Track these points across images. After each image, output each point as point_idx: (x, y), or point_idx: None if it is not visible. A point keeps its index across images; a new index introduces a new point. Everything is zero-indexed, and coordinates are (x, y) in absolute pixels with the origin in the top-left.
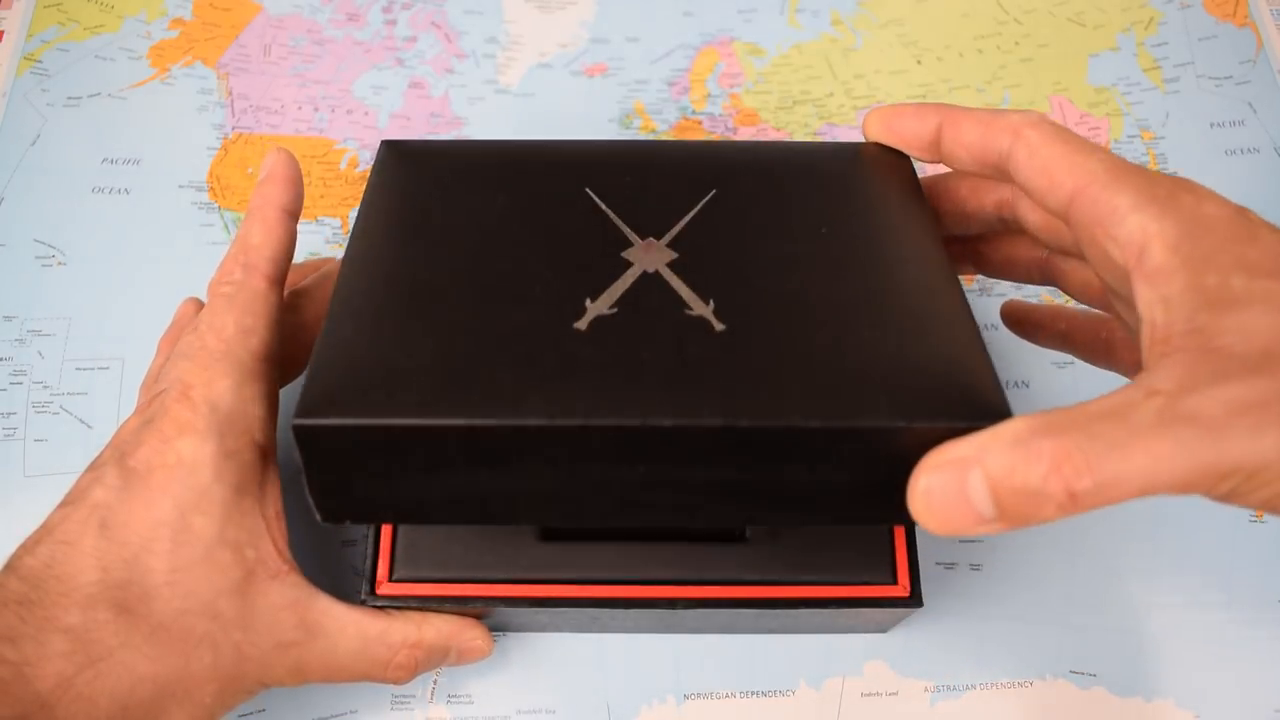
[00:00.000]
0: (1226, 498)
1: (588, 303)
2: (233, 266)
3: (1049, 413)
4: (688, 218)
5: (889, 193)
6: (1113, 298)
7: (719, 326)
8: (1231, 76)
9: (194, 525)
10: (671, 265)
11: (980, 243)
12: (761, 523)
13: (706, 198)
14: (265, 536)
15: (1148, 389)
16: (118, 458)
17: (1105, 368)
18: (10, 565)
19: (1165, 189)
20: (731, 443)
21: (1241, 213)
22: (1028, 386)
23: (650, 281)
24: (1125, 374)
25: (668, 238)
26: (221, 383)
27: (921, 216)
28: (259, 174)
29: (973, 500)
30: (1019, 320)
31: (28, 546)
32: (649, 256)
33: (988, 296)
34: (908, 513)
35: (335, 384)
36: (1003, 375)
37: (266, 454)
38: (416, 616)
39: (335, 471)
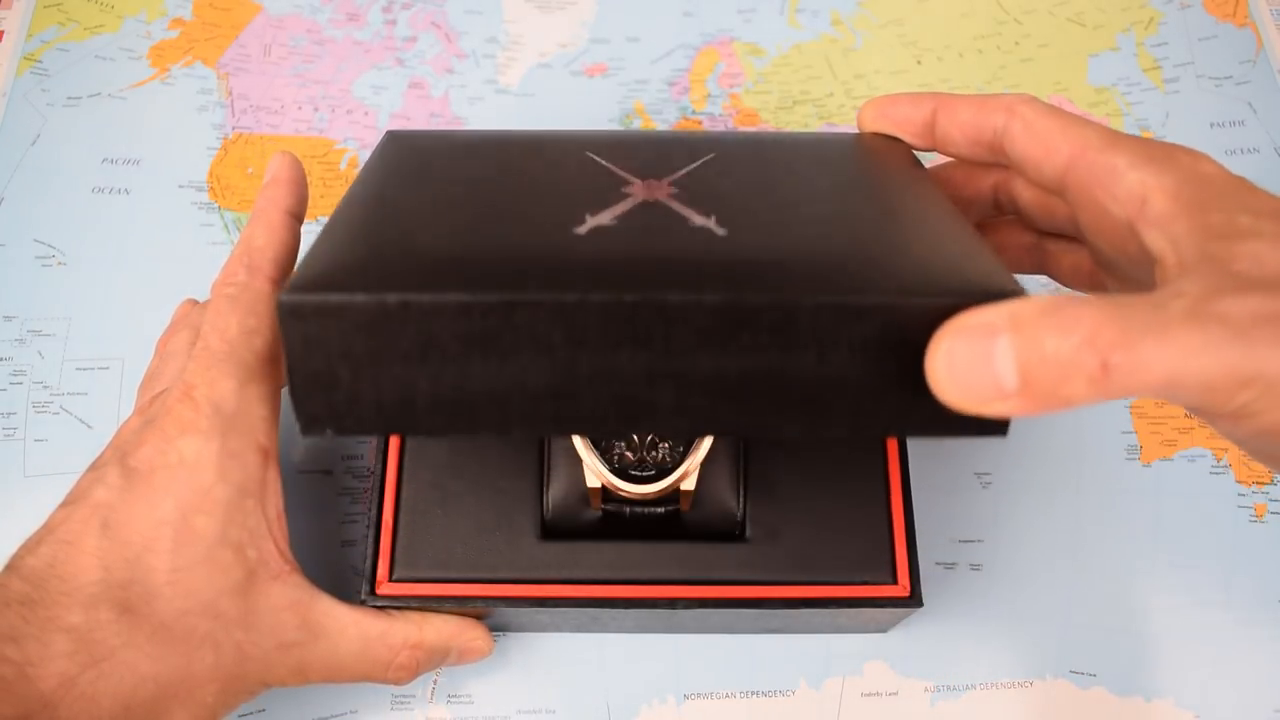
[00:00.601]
0: (1237, 414)
1: (587, 216)
2: (236, 267)
3: (1074, 295)
4: (687, 168)
5: (889, 160)
6: (1105, 275)
7: (721, 232)
8: (1231, 76)
9: (196, 525)
10: (672, 196)
11: None
12: (766, 431)
13: (706, 158)
14: (267, 537)
15: (1175, 291)
16: (119, 457)
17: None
18: (12, 565)
19: (1162, 150)
20: (735, 323)
21: (1239, 176)
22: None
23: (652, 207)
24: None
25: (668, 179)
26: (225, 383)
27: (921, 173)
28: (264, 176)
29: (997, 368)
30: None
31: (29, 546)
32: (650, 190)
33: None
34: (918, 419)
35: (327, 266)
36: None
37: (268, 455)
38: (417, 617)
39: (321, 361)
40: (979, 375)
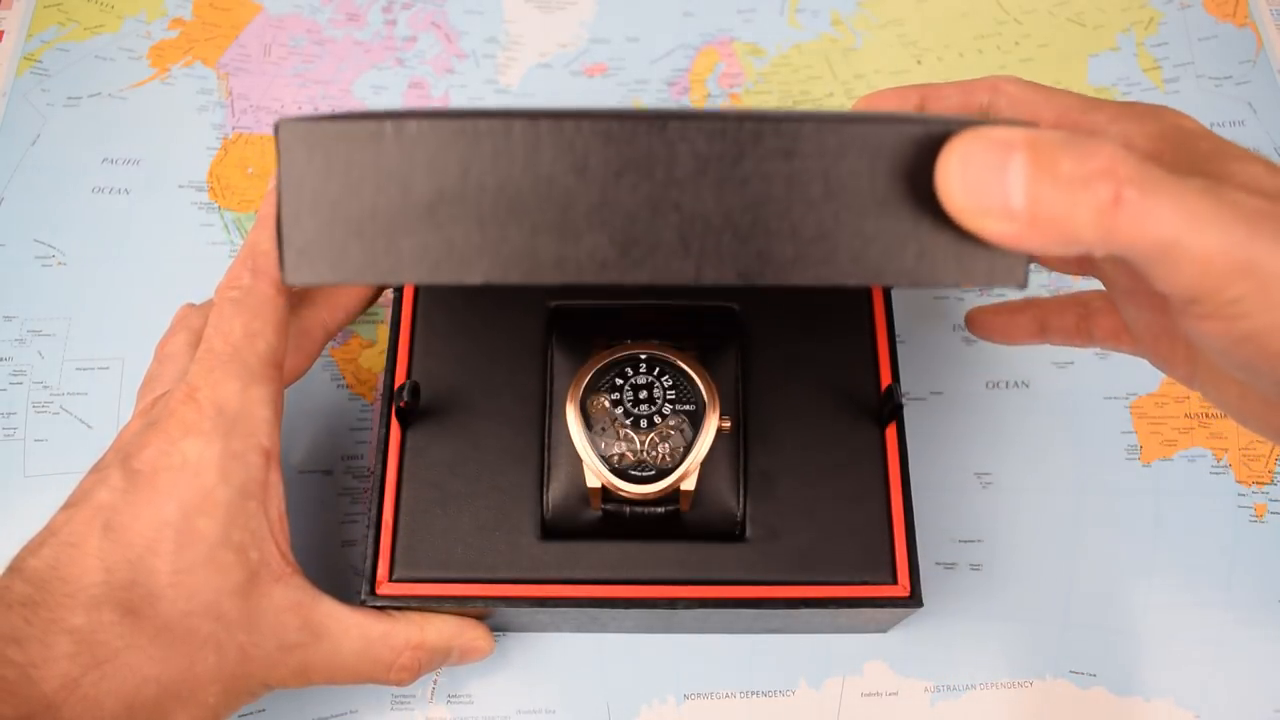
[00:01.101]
0: (1226, 311)
1: None
2: (241, 271)
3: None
4: None
5: None
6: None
7: None
8: (1231, 76)
9: (198, 527)
10: None
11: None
12: (772, 275)
13: None
14: (269, 539)
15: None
16: (121, 459)
17: (1086, 345)
18: (14, 567)
19: (1144, 107)
20: (738, 146)
21: (1219, 135)
22: (1028, 386)
23: None
24: (1108, 346)
25: None
26: (228, 385)
27: None
28: (269, 181)
29: (1009, 180)
30: (987, 324)
31: (31, 548)
32: None
33: (987, 296)
34: (929, 260)
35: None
36: (1002, 376)
37: (270, 457)
38: (418, 618)
39: (313, 190)
40: (989, 183)
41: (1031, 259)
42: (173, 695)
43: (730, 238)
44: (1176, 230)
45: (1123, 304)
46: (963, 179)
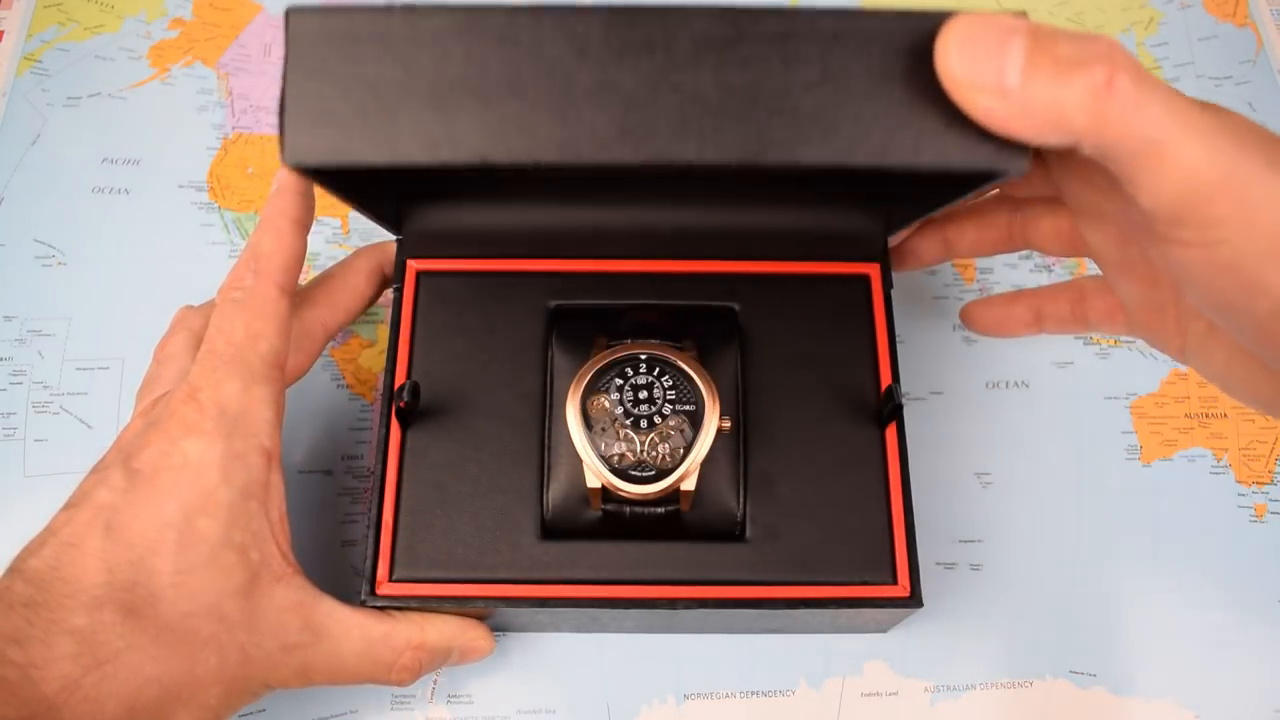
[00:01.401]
0: (1205, 235)
1: None
2: (243, 272)
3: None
4: None
5: None
6: (1086, 226)
7: None
8: (1231, 76)
9: (199, 527)
10: None
11: (948, 227)
12: (772, 157)
13: None
14: (270, 539)
15: None
16: (123, 459)
17: (1082, 331)
18: (15, 568)
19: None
20: (736, 30)
21: None
22: (1028, 386)
23: None
24: (1103, 329)
25: None
26: (229, 385)
27: None
28: (272, 185)
29: (1006, 57)
30: (982, 318)
31: (32, 549)
32: None
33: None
34: (927, 140)
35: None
36: (1002, 376)
37: (272, 457)
38: (419, 618)
39: (318, 73)
40: (987, 58)
41: (1028, 149)
42: (174, 696)
43: (730, 118)
44: (1165, 130)
45: (1115, 279)
46: (960, 52)
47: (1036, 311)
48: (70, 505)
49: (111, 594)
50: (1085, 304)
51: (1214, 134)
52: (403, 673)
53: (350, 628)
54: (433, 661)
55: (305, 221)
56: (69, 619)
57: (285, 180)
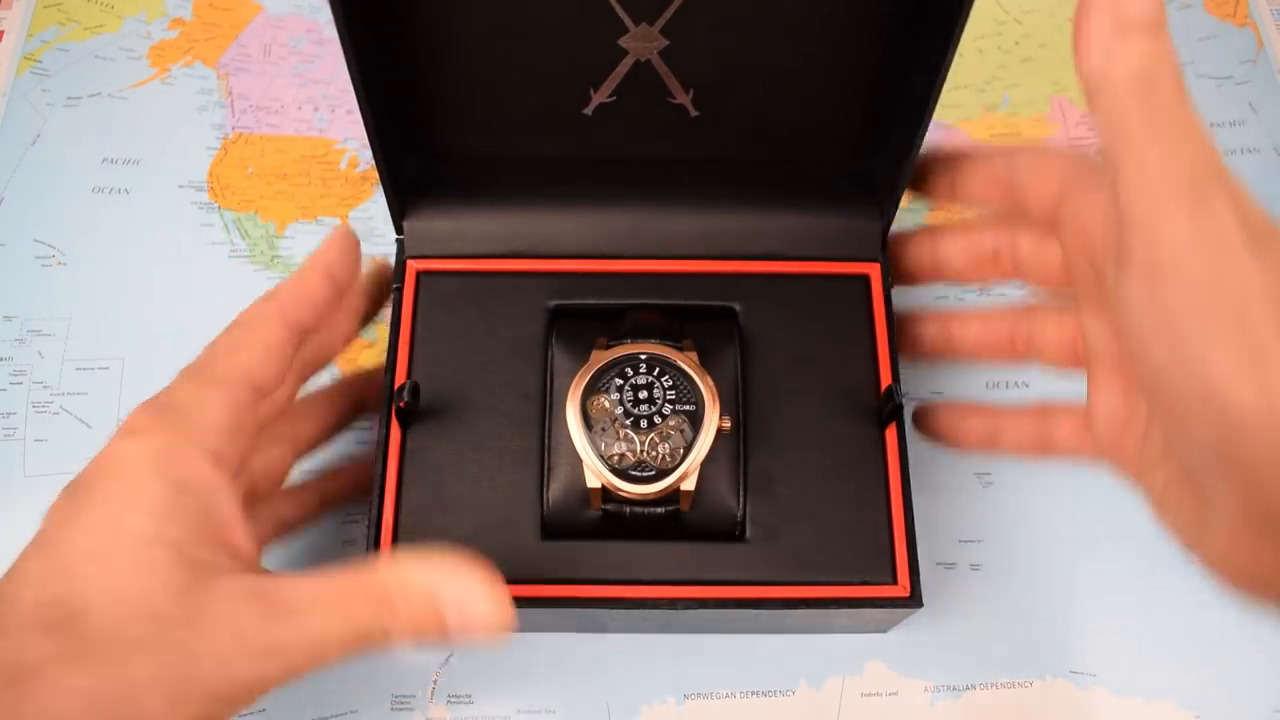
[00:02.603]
0: (1155, 263)
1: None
2: (258, 300)
3: None
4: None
5: None
6: (1087, 313)
7: None
8: (1231, 76)
9: (127, 525)
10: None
11: (952, 322)
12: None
13: None
14: (215, 535)
15: None
16: (71, 481)
17: (1041, 456)
18: None
19: None
20: None
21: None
22: (1028, 386)
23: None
24: (1065, 455)
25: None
26: (182, 386)
27: None
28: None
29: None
30: (932, 425)
31: None
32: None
33: (987, 296)
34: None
35: None
36: (1002, 376)
37: (220, 461)
38: (397, 561)
39: None
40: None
41: None
42: (104, 708)
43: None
44: (1146, 138)
45: (1101, 384)
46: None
47: (994, 429)
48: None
49: (36, 612)
50: (1051, 422)
51: (1195, 149)
52: (395, 625)
53: (319, 595)
54: (423, 613)
55: (336, 275)
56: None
57: (333, 237)
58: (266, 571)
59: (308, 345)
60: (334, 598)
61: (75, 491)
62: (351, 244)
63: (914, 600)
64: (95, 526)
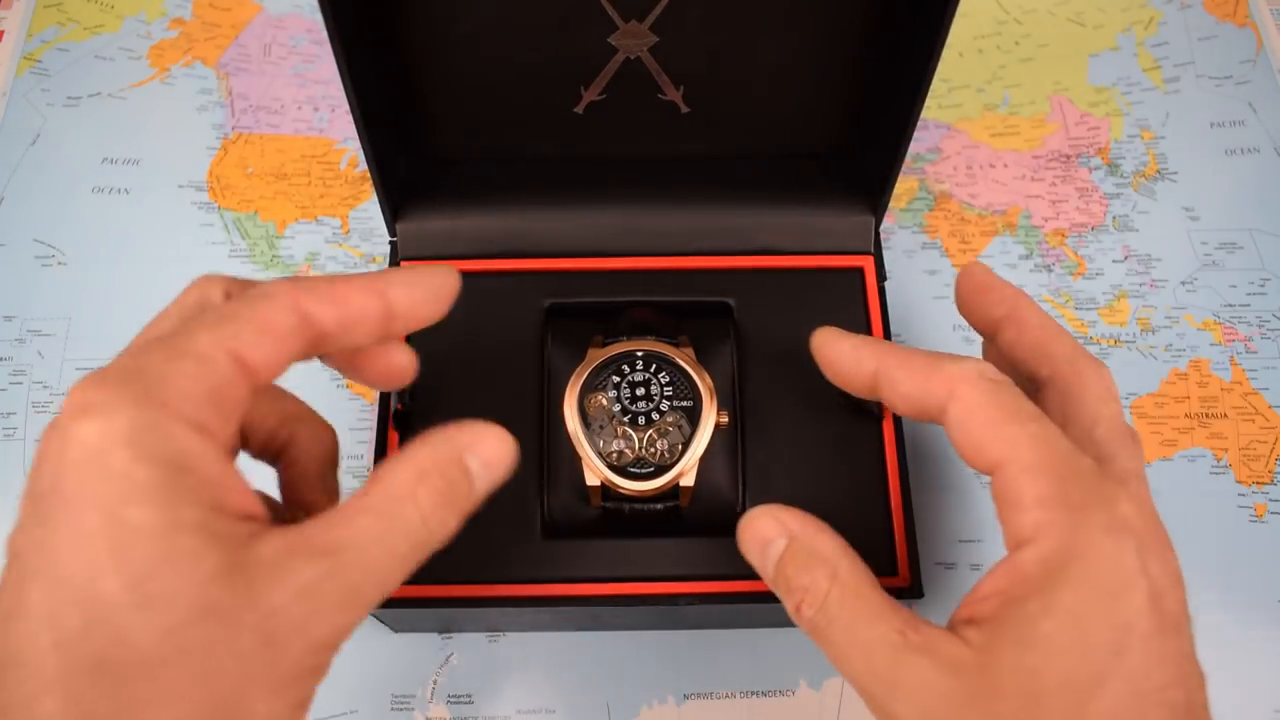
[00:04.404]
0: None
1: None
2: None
3: None
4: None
5: None
6: None
7: None
8: (1231, 76)
9: (130, 520)
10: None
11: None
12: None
13: None
14: (225, 504)
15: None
16: (27, 492)
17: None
18: None
19: (1082, 495)
20: None
21: (1141, 546)
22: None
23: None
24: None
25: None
26: (147, 354)
27: None
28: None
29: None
30: (820, 350)
31: None
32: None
33: None
34: None
35: None
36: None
37: (204, 432)
38: (399, 455)
39: None
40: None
41: None
42: None
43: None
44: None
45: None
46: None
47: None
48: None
49: (68, 655)
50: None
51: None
52: (434, 516)
53: (354, 517)
54: (450, 485)
55: (395, 301)
56: (35, 711)
57: (439, 267)
58: (286, 523)
59: (328, 356)
60: (370, 511)
61: (39, 501)
62: (441, 286)
63: (914, 590)
64: (89, 531)
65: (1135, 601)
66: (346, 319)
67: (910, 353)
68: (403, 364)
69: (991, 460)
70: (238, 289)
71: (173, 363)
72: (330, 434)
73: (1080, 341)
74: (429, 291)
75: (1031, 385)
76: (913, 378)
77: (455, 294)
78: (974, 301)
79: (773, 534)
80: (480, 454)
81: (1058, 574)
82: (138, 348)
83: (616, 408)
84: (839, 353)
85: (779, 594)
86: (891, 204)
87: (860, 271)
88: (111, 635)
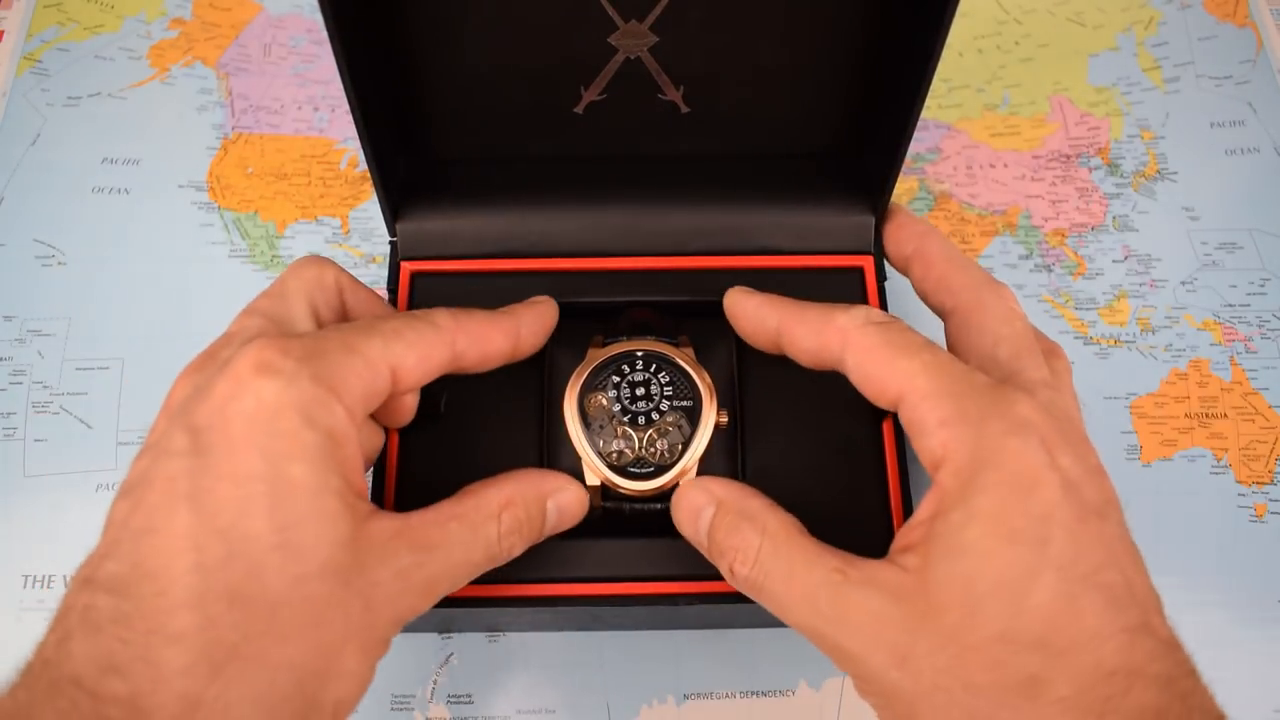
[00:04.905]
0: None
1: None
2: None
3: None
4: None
5: None
6: None
7: None
8: (1231, 76)
9: (292, 475)
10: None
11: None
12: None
13: None
14: (356, 483)
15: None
16: (182, 423)
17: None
18: (87, 578)
19: (979, 407)
20: None
21: (1046, 442)
22: None
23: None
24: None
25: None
26: (332, 340)
27: None
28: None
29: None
30: (732, 307)
31: (103, 551)
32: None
33: None
34: None
35: None
36: None
37: (353, 417)
38: (492, 480)
39: None
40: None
41: None
42: (312, 675)
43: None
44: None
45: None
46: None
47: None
48: (128, 491)
49: (208, 579)
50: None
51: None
52: (509, 538)
53: (445, 522)
54: (530, 518)
55: (521, 343)
56: (169, 624)
57: (547, 302)
58: (389, 512)
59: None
60: (461, 522)
61: (204, 436)
62: (550, 324)
63: None
64: (251, 474)
65: (1048, 494)
66: (483, 359)
67: (806, 307)
68: (411, 409)
69: (893, 396)
70: (349, 285)
71: (348, 356)
72: (380, 437)
73: (1079, 341)
74: (546, 333)
75: (942, 318)
76: (809, 332)
77: (553, 326)
78: (888, 241)
79: (701, 503)
80: (559, 500)
81: (971, 483)
82: (328, 331)
83: (616, 408)
84: (744, 311)
85: (713, 560)
86: None
87: (860, 271)
88: (248, 570)
